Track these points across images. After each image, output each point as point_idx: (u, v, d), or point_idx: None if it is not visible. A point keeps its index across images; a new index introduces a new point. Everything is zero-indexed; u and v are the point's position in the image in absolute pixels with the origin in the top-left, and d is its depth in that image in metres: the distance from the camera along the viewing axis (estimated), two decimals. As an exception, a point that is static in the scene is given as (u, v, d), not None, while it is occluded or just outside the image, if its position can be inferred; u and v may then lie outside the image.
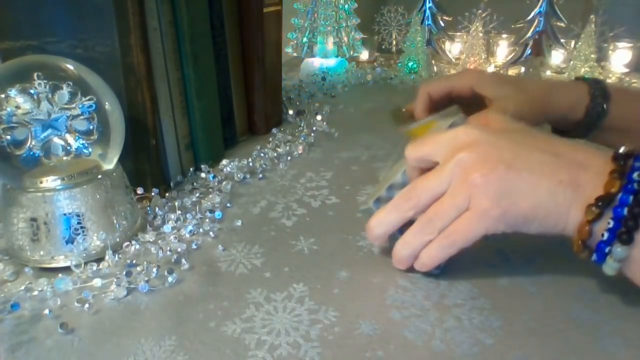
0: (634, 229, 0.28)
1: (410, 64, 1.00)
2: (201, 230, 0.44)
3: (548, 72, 0.99)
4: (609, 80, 0.92)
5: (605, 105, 0.46)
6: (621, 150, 0.31)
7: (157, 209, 0.46)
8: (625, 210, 0.28)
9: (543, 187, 0.31)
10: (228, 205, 0.49)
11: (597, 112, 0.46)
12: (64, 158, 0.38)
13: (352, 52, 0.99)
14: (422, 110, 0.52)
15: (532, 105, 0.46)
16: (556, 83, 0.49)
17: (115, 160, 0.41)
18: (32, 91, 0.36)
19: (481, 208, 0.32)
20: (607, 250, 0.30)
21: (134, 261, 0.39)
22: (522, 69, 0.99)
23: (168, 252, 0.40)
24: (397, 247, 0.36)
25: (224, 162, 0.56)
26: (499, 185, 0.31)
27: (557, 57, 1.01)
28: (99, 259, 0.39)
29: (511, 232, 0.33)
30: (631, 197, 0.28)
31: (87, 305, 0.34)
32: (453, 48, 1.10)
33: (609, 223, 0.29)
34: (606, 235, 0.29)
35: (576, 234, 0.31)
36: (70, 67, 0.39)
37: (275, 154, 0.60)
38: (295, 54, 0.99)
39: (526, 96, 0.46)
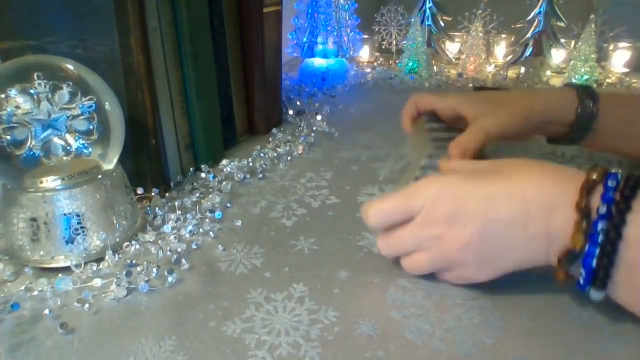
0: (605, 277, 0.29)
1: (410, 64, 1.00)
2: (201, 230, 0.44)
3: (548, 72, 0.99)
4: (608, 80, 0.92)
5: (594, 107, 0.46)
6: (590, 176, 0.30)
7: (157, 209, 0.46)
8: (594, 262, 0.29)
9: (518, 246, 0.32)
10: (228, 205, 0.49)
11: (587, 114, 0.46)
12: (64, 158, 0.38)
13: (352, 52, 0.99)
14: (407, 119, 0.53)
15: (512, 120, 0.46)
16: (542, 90, 0.49)
17: (115, 160, 0.41)
18: (32, 91, 0.36)
19: (466, 277, 0.35)
20: (587, 289, 0.30)
21: (134, 261, 0.39)
22: (522, 69, 0.99)
23: (168, 252, 0.40)
24: (385, 249, 0.38)
25: (224, 162, 0.56)
26: (477, 257, 0.33)
27: (557, 57, 1.01)
28: (99, 259, 0.39)
29: None
30: (597, 250, 0.29)
31: (87, 305, 0.34)
32: (453, 48, 1.10)
33: (581, 274, 0.30)
34: (581, 279, 0.30)
35: (556, 276, 0.31)
36: (70, 67, 0.39)
37: (275, 154, 0.60)
38: (295, 54, 0.99)
39: (505, 111, 0.46)
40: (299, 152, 0.61)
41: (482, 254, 0.33)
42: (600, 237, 0.28)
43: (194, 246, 0.41)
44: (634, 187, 0.28)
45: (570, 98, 0.47)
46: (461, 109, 0.48)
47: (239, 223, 0.45)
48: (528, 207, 0.31)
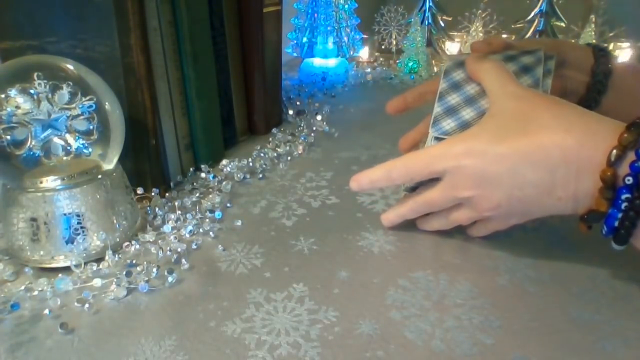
0: (626, 236, 0.30)
1: (410, 64, 1.00)
2: (201, 230, 0.44)
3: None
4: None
5: (609, 65, 0.44)
6: (622, 140, 0.29)
7: (157, 209, 0.46)
8: (617, 223, 0.30)
9: (545, 204, 0.34)
10: (228, 205, 0.49)
11: (603, 71, 0.44)
12: (64, 158, 0.38)
13: (352, 52, 0.99)
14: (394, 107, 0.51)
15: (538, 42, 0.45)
16: (558, 42, 0.48)
17: (115, 160, 0.41)
18: (32, 91, 0.36)
19: (495, 227, 0.39)
20: (609, 237, 0.31)
21: (134, 261, 0.39)
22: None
23: (168, 252, 0.40)
24: (392, 217, 0.43)
25: (224, 162, 0.56)
26: (507, 213, 0.36)
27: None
28: (99, 259, 0.39)
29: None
30: (620, 215, 0.30)
31: (87, 305, 0.34)
32: (453, 48, 1.10)
33: (603, 227, 0.31)
34: (604, 232, 0.31)
35: (579, 227, 0.33)
36: (70, 67, 0.39)
37: (275, 154, 0.60)
38: (295, 54, 0.99)
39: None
40: (299, 152, 0.61)
41: (512, 211, 0.36)
42: (624, 205, 0.29)
43: (194, 246, 0.41)
44: None
45: (587, 54, 0.46)
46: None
47: (239, 223, 0.45)
48: (554, 174, 0.32)
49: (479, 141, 0.35)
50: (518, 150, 0.33)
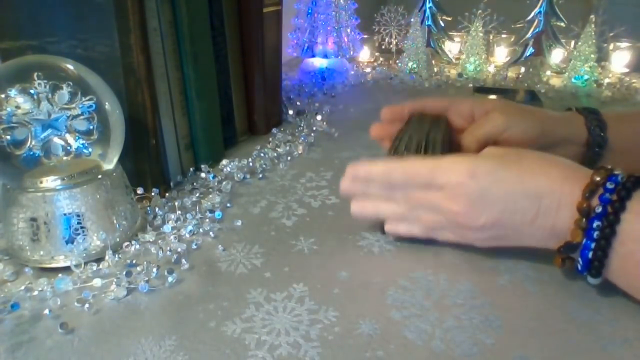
0: (600, 267, 0.32)
1: (410, 64, 1.00)
2: (201, 230, 0.44)
3: (548, 72, 0.99)
4: (608, 80, 0.91)
5: (603, 134, 0.46)
6: (594, 178, 0.33)
7: (157, 209, 0.46)
8: (590, 254, 0.32)
9: (525, 232, 0.35)
10: (228, 205, 0.49)
11: (597, 143, 0.46)
12: (64, 158, 0.38)
13: (352, 52, 0.99)
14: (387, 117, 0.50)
15: (529, 128, 0.45)
16: (551, 116, 0.48)
17: (115, 160, 0.41)
18: (32, 91, 0.36)
19: (467, 241, 0.38)
20: (584, 274, 0.34)
21: (134, 261, 0.39)
22: (522, 69, 0.99)
23: (168, 252, 0.40)
24: (369, 209, 0.41)
25: (224, 162, 0.56)
26: (485, 236, 0.37)
27: (557, 57, 1.01)
28: (99, 259, 0.39)
29: None
30: (593, 244, 0.32)
31: (87, 305, 0.34)
32: (453, 48, 1.10)
33: (578, 262, 0.33)
34: (579, 267, 0.34)
35: (554, 261, 0.35)
36: (70, 67, 0.39)
37: (275, 154, 0.60)
38: (295, 54, 0.99)
39: (525, 121, 0.45)
40: (299, 152, 0.61)
41: (491, 235, 0.37)
42: (596, 233, 0.32)
43: (194, 246, 0.41)
44: (630, 188, 0.31)
45: (579, 125, 0.46)
46: (486, 104, 0.47)
47: (239, 223, 0.45)
48: (540, 203, 0.34)
49: (485, 162, 0.36)
50: (517, 176, 0.35)
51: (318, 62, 0.99)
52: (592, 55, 0.88)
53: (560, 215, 0.34)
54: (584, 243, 0.32)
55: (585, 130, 0.46)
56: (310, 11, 0.95)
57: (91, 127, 0.39)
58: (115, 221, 0.40)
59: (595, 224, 0.32)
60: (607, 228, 0.31)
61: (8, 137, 0.36)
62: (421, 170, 0.38)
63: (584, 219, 0.32)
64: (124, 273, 0.36)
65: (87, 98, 0.38)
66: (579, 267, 0.33)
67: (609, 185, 0.32)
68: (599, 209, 0.32)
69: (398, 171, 0.39)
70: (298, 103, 0.80)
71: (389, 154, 0.43)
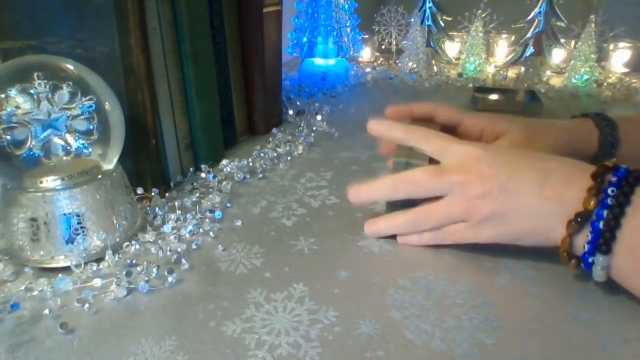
0: (611, 239, 0.31)
1: (410, 64, 1.00)
2: (201, 230, 0.44)
3: (548, 72, 0.99)
4: (608, 80, 0.91)
5: (615, 134, 0.46)
6: (605, 163, 0.34)
7: (157, 209, 0.46)
8: (602, 224, 0.32)
9: (531, 205, 0.35)
10: (228, 205, 0.49)
11: (610, 142, 0.46)
12: (64, 158, 0.38)
13: (352, 52, 0.99)
14: (394, 113, 0.50)
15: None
16: (564, 126, 0.48)
17: (115, 160, 0.41)
18: (32, 91, 0.36)
19: (475, 225, 0.37)
20: (590, 260, 0.33)
21: (134, 261, 0.39)
22: (522, 69, 0.99)
23: (168, 252, 0.40)
24: (382, 225, 0.42)
25: (224, 162, 0.56)
26: (493, 207, 0.36)
27: (557, 57, 1.01)
28: (99, 259, 0.39)
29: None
30: (606, 212, 0.31)
31: (87, 305, 0.34)
32: (453, 48, 1.10)
33: (588, 236, 0.32)
34: (587, 247, 0.32)
35: (560, 248, 0.34)
36: (70, 67, 0.39)
37: (275, 154, 0.60)
38: (295, 54, 0.99)
39: (534, 144, 0.46)
40: (299, 152, 0.61)
41: (498, 204, 0.35)
42: (611, 200, 0.31)
43: (194, 246, 0.41)
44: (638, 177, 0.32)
45: (591, 130, 0.47)
46: (500, 127, 0.47)
47: (239, 223, 0.45)
48: (548, 176, 0.35)
49: (492, 145, 0.38)
50: (525, 155, 0.37)
51: (318, 62, 0.99)
52: (592, 55, 0.88)
53: (571, 188, 0.33)
54: (597, 211, 0.32)
55: (597, 134, 0.47)
56: (310, 11, 0.95)
57: (91, 127, 0.39)
58: (115, 221, 0.40)
59: (611, 189, 0.32)
60: (622, 196, 0.31)
61: (8, 137, 0.36)
62: (425, 176, 0.38)
63: (596, 189, 0.32)
64: (124, 273, 0.36)
65: (87, 98, 0.38)
66: (587, 247, 0.32)
67: (620, 170, 0.33)
68: (613, 179, 0.32)
69: (400, 182, 0.39)
70: (298, 103, 0.80)
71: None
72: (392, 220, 0.41)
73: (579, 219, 0.32)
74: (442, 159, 0.39)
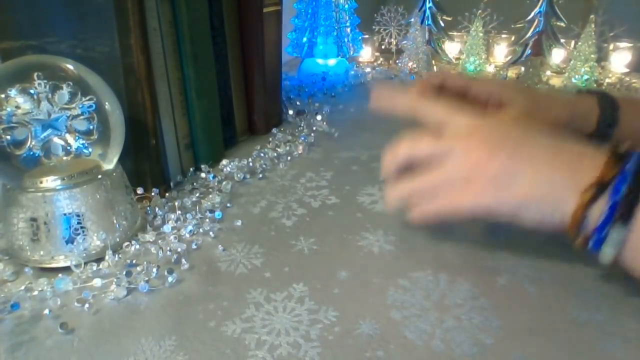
0: (630, 210, 0.29)
1: (410, 64, 1.00)
2: (201, 230, 0.44)
3: (548, 72, 0.99)
4: (608, 80, 0.91)
5: (614, 115, 0.46)
6: (621, 146, 0.32)
7: (157, 209, 0.46)
8: (622, 192, 0.29)
9: (542, 172, 0.32)
10: (228, 205, 0.49)
11: (607, 123, 0.46)
12: (64, 158, 0.38)
13: (352, 52, 0.99)
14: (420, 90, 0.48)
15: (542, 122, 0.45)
16: (567, 100, 0.48)
17: (115, 160, 0.41)
18: (32, 91, 0.36)
19: (478, 187, 0.34)
20: (603, 234, 0.30)
21: (134, 261, 0.39)
22: (522, 69, 0.99)
23: (168, 252, 0.40)
24: (392, 194, 0.39)
25: (224, 162, 0.56)
26: (498, 171, 0.33)
27: (557, 57, 1.01)
28: (99, 259, 0.39)
29: (510, 221, 0.34)
30: (624, 186, 0.29)
31: (87, 305, 0.34)
32: (453, 48, 1.10)
33: (606, 204, 0.30)
34: (602, 217, 0.30)
35: (570, 219, 0.31)
36: (70, 67, 0.39)
37: (275, 154, 0.60)
38: (295, 54, 0.99)
39: (540, 114, 0.45)
40: (299, 152, 0.61)
41: (505, 169, 0.33)
42: (631, 166, 0.29)
43: (194, 246, 0.41)
44: None
45: (591, 106, 0.46)
46: (506, 95, 0.46)
47: (239, 223, 0.45)
48: (559, 149, 0.33)
49: (496, 119, 0.36)
50: (532, 127, 0.35)
51: (318, 62, 0.99)
52: (592, 55, 0.88)
53: (584, 159, 0.31)
54: (617, 181, 0.29)
55: (598, 113, 0.46)
56: (310, 11, 0.95)
57: (91, 127, 0.39)
58: (115, 221, 0.40)
59: (633, 162, 0.30)
60: None
61: (8, 137, 0.36)
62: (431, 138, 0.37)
63: (615, 158, 0.30)
64: (124, 273, 0.36)
65: (87, 98, 0.38)
66: (603, 218, 0.30)
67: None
68: (636, 155, 0.30)
69: (403, 144, 0.38)
70: (298, 103, 0.80)
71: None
72: (400, 186, 0.39)
73: (595, 189, 0.30)
74: (450, 124, 0.37)
